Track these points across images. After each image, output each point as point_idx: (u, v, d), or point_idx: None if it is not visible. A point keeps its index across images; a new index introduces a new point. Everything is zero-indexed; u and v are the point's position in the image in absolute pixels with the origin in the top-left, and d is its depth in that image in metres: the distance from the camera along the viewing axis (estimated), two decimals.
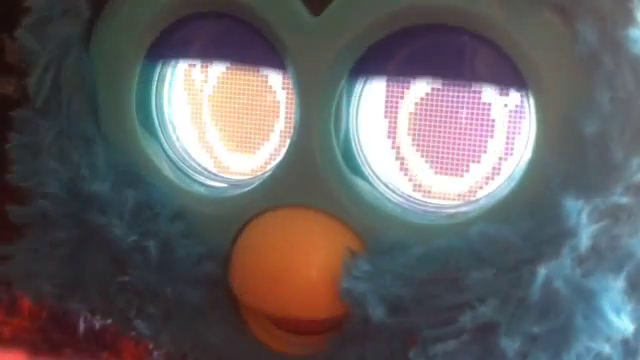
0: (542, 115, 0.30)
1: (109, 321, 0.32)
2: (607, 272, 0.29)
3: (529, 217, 0.30)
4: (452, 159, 0.34)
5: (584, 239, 0.28)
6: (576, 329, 0.29)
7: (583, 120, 0.29)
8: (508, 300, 0.29)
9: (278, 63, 0.34)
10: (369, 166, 0.34)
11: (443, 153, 0.34)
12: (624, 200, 0.29)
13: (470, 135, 0.33)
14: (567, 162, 0.29)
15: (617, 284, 0.29)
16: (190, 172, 0.37)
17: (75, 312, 0.32)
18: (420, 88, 0.34)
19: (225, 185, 0.37)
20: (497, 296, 0.30)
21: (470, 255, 0.30)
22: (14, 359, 0.23)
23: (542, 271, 0.29)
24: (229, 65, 0.36)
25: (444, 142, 0.34)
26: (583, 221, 0.28)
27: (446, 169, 0.34)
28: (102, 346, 0.31)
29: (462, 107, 0.33)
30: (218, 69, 0.37)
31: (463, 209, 0.33)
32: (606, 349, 0.29)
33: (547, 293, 0.29)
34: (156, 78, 0.37)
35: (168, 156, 0.37)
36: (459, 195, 0.34)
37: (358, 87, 0.34)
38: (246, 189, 0.35)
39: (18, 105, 0.38)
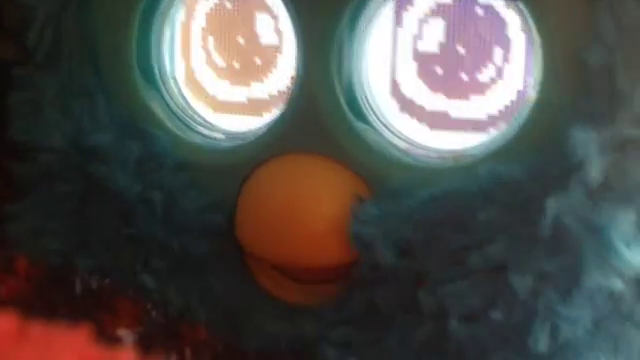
0: (548, 52, 0.30)
1: (107, 280, 0.32)
2: (616, 206, 0.28)
3: (537, 155, 0.29)
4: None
5: (593, 171, 0.28)
6: (587, 264, 0.28)
7: (588, 52, 0.28)
8: (517, 239, 0.29)
9: None
10: (373, 111, 0.34)
11: None
12: (632, 132, 0.28)
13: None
14: (574, 96, 0.29)
15: (627, 217, 0.28)
16: (192, 124, 0.37)
17: (72, 271, 0.32)
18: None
19: (227, 137, 0.37)
20: (506, 235, 0.29)
21: (478, 196, 0.30)
22: (5, 320, 0.22)
23: (551, 207, 0.28)
24: None
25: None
26: (591, 152, 0.28)
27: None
28: (99, 305, 0.31)
29: None
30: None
31: (469, 152, 0.32)
32: (618, 285, 0.29)
33: (557, 229, 0.28)
34: (155, 27, 0.36)
35: (170, 108, 0.37)
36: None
37: (360, 28, 0.33)
38: (249, 140, 0.35)
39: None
